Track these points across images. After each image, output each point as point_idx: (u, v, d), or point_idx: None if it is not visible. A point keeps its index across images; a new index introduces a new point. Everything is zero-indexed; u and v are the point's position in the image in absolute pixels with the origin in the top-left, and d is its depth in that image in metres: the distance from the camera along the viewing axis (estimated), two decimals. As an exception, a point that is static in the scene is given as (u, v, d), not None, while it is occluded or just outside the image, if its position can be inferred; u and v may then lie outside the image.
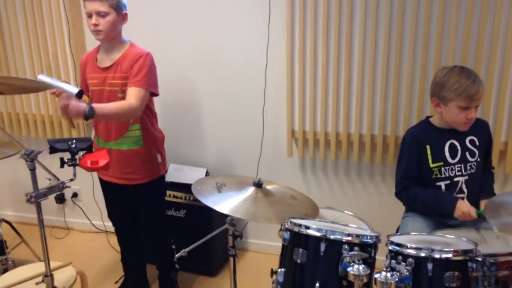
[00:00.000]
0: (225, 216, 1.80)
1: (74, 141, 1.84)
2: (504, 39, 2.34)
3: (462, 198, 2.09)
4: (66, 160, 1.81)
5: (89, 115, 1.99)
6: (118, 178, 2.35)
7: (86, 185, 3.24)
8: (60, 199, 3.43)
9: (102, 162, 1.84)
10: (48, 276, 1.82)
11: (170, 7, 2.89)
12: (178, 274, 2.61)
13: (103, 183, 2.45)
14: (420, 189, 2.12)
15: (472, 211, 1.97)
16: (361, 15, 2.51)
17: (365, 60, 2.57)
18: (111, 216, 2.56)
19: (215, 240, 2.11)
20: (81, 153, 1.84)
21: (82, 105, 1.99)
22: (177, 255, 1.99)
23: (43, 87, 2.08)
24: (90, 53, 2.36)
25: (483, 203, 2.07)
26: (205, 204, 1.80)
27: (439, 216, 2.09)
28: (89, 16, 2.16)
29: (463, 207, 1.98)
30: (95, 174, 2.83)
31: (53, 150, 1.82)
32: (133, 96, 2.15)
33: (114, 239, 3.19)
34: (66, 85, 2.01)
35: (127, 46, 2.26)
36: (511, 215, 1.48)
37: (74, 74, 3.08)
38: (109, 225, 3.30)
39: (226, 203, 1.79)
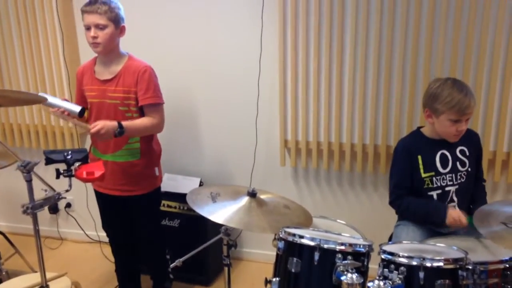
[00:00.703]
0: (219, 225, 1.82)
1: (69, 152, 1.86)
2: (491, 50, 2.39)
3: (453, 207, 2.13)
4: (62, 171, 1.83)
5: (119, 136, 2.14)
6: (111, 190, 2.36)
7: (80, 195, 3.24)
8: (54, 209, 3.43)
9: (97, 173, 1.85)
10: (44, 287, 1.82)
11: (165, 19, 2.92)
12: (172, 284, 2.61)
13: (98, 195, 2.46)
14: (412, 199, 2.15)
15: (463, 218, 2.01)
16: (352, 27, 2.56)
17: (356, 71, 2.61)
18: (105, 227, 2.57)
19: (209, 249, 2.12)
20: (76, 164, 1.85)
21: (113, 126, 2.10)
22: (172, 265, 2.00)
23: (39, 99, 2.10)
24: (86, 65, 2.38)
25: None
26: (199, 214, 1.82)
27: (431, 224, 2.13)
28: (88, 28, 2.18)
29: (454, 214, 2.02)
30: (89, 184, 2.84)
31: (49, 161, 1.84)
32: (152, 112, 2.27)
33: (108, 250, 3.19)
34: (68, 104, 2.06)
35: (126, 59, 2.29)
36: (500, 224, 1.51)
37: (68, 85, 3.09)
38: (103, 235, 3.29)
39: (221, 213, 1.81)
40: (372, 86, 2.60)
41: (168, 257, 2.55)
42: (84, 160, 1.88)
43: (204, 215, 1.80)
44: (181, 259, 1.94)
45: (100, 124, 2.08)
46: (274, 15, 2.69)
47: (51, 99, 2.09)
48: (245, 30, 2.81)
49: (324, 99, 2.69)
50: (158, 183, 2.45)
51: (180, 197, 2.75)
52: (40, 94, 2.08)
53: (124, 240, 2.53)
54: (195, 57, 2.93)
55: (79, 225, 3.44)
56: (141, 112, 2.32)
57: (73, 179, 1.88)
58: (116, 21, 2.20)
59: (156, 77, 2.32)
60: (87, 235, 3.43)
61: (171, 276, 2.58)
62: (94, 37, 2.16)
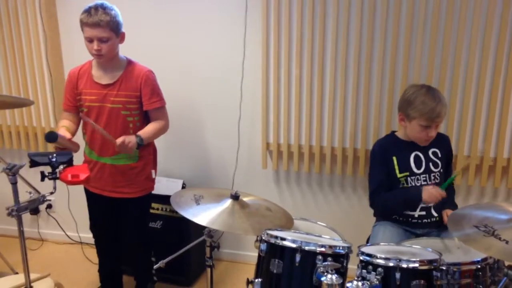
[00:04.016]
0: (202, 227, 1.85)
1: (54, 154, 1.87)
2: (467, 58, 2.48)
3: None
4: (47, 174, 1.84)
5: (141, 144, 2.23)
6: (110, 192, 2.36)
7: (61, 197, 3.23)
8: (34, 211, 3.34)
9: (83, 176, 1.87)
10: (27, 288, 1.83)
11: (148, 22, 2.94)
12: (155, 285, 2.63)
13: (91, 196, 2.45)
14: (386, 193, 2.23)
15: (438, 189, 2.09)
16: (333, 33, 2.62)
17: (337, 76, 2.68)
18: (94, 228, 2.55)
19: (191, 250, 2.16)
20: (61, 167, 1.86)
21: (133, 138, 2.19)
22: (155, 266, 2.03)
23: (23, 102, 2.10)
24: (82, 68, 2.35)
25: (445, 213, 2.19)
26: (181, 215, 1.84)
27: (409, 204, 2.20)
28: (90, 41, 2.17)
29: (429, 188, 2.11)
30: (71, 185, 2.83)
31: (33, 163, 1.84)
32: (160, 115, 2.37)
33: (88, 251, 3.20)
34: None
35: (125, 63, 2.31)
36: (472, 227, 1.58)
37: (51, 87, 3.08)
38: (84, 236, 3.31)
39: (204, 215, 1.84)
40: (352, 92, 2.67)
41: (153, 259, 2.56)
42: (69, 162, 1.89)
43: (188, 217, 1.82)
44: (164, 261, 1.96)
45: (125, 137, 2.17)
46: (257, 19, 2.74)
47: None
48: (229, 34, 2.85)
49: (305, 103, 2.75)
50: (153, 186, 2.48)
51: (163, 199, 2.77)
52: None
53: (111, 242, 2.53)
54: (178, 60, 2.96)
55: (60, 226, 3.42)
56: (143, 116, 2.35)
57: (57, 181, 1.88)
58: (117, 29, 2.20)
59: (157, 79, 2.37)
60: (68, 236, 3.42)
61: (155, 278, 2.59)
62: (98, 50, 2.16)
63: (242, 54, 2.84)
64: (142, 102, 2.31)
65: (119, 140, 2.15)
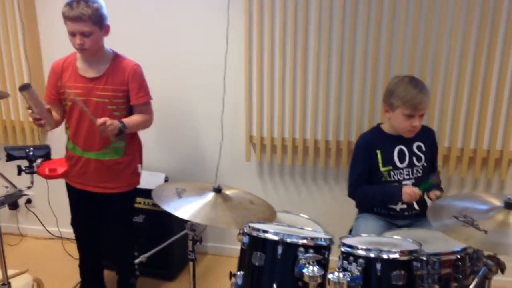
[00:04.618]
0: (185, 220, 1.84)
1: (31, 148, 1.83)
2: (448, 49, 2.50)
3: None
4: (24, 168, 1.80)
5: (123, 130, 2.16)
6: (93, 187, 2.32)
7: (41, 191, 3.18)
8: (13, 205, 3.29)
9: (60, 170, 1.84)
10: (5, 284, 1.79)
11: (127, 14, 2.90)
12: (137, 280, 2.61)
13: (73, 190, 2.39)
14: (368, 187, 2.26)
15: (416, 190, 2.12)
16: (316, 27, 2.62)
17: (320, 69, 2.67)
18: (76, 223, 2.50)
19: (174, 244, 2.15)
20: (39, 161, 1.83)
21: (116, 122, 2.12)
22: (136, 261, 2.01)
23: (4, 95, 2.04)
24: (66, 60, 2.28)
25: (433, 193, 2.21)
26: (164, 209, 1.83)
27: (388, 203, 2.23)
28: (72, 35, 2.12)
29: (408, 190, 2.13)
30: (50, 180, 2.78)
31: (10, 157, 1.80)
32: (146, 111, 2.33)
33: (69, 246, 3.16)
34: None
35: (111, 56, 2.26)
36: (452, 217, 1.60)
37: (29, 79, 3.01)
38: (64, 231, 3.27)
39: (187, 209, 1.82)
40: (335, 85, 2.67)
41: (136, 254, 2.54)
42: (47, 156, 1.86)
43: (169, 211, 1.81)
44: (146, 255, 1.95)
45: (107, 118, 2.09)
46: (240, 10, 2.71)
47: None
48: (211, 26, 2.82)
49: (288, 96, 2.74)
50: (139, 180, 2.45)
51: (146, 193, 2.72)
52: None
53: (93, 237, 2.50)
54: (159, 53, 2.92)
55: (40, 221, 3.37)
56: (129, 111, 2.31)
57: (35, 175, 1.85)
58: (101, 23, 2.14)
59: (143, 73, 2.34)
60: (48, 231, 3.37)
61: (137, 272, 2.57)
62: (81, 44, 2.11)
63: (225, 47, 2.82)
64: (129, 96, 2.27)
65: (100, 120, 2.07)
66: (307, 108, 2.75)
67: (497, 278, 1.63)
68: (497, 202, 1.62)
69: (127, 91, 2.26)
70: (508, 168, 2.59)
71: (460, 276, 1.71)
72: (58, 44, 2.46)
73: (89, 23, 2.09)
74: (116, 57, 2.28)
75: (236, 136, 2.95)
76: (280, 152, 2.85)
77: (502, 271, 1.59)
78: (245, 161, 2.95)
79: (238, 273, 1.72)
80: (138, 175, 2.43)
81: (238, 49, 2.78)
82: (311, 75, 2.69)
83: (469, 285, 1.55)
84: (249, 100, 2.81)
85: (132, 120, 2.26)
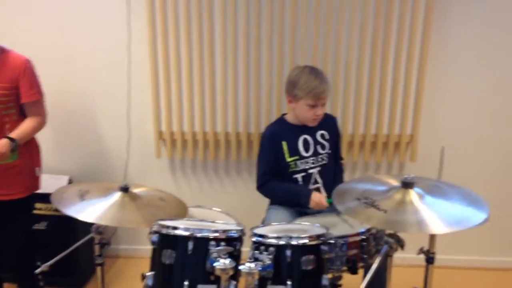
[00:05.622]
0: (91, 224, 1.75)
1: None
2: (347, 40, 2.61)
3: (318, 188, 2.29)
4: None
5: (15, 148, 2.05)
6: None
7: None
8: None
9: None
10: None
11: (22, 8, 2.67)
12: (42, 291, 2.44)
13: None
14: (278, 184, 2.28)
15: (324, 200, 2.18)
16: (221, 19, 2.60)
17: (227, 62, 2.66)
18: None
19: (80, 249, 2.02)
20: None
21: (6, 143, 2.01)
22: (37, 270, 1.88)
23: None
24: None
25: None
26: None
27: (298, 206, 2.27)
28: None
29: (316, 198, 2.19)
30: None
31: None
32: (38, 109, 2.19)
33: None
34: None
35: None
36: (355, 199, 1.67)
37: None
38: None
39: (91, 211, 1.73)
40: (243, 77, 2.68)
41: (39, 263, 2.36)
42: None
43: (70, 214, 1.71)
44: (48, 263, 1.82)
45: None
46: (142, 1, 2.61)
47: None
48: (109, 14, 2.69)
49: (197, 89, 2.71)
50: (38, 185, 2.28)
51: (47, 197, 2.53)
52: None
53: None
54: (52, 46, 2.74)
55: None
56: (19, 110, 2.14)
57: None
58: None
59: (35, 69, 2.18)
60: None
61: (41, 283, 2.39)
62: None
63: (126, 39, 2.70)
64: (19, 94, 2.10)
65: None
66: (216, 101, 2.73)
67: (397, 256, 1.73)
68: (396, 183, 1.72)
69: (17, 88, 2.09)
70: (406, 151, 2.76)
71: (366, 256, 1.79)
72: None
73: None
74: (2, 52, 2.09)
75: (145, 132, 2.85)
76: (191, 147, 2.81)
77: (402, 247, 1.69)
78: (156, 158, 2.86)
79: (148, 274, 1.66)
80: (37, 178, 2.27)
81: (142, 39, 2.68)
82: (219, 66, 2.68)
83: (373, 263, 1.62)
84: (156, 93, 2.73)
85: (23, 131, 2.13)
